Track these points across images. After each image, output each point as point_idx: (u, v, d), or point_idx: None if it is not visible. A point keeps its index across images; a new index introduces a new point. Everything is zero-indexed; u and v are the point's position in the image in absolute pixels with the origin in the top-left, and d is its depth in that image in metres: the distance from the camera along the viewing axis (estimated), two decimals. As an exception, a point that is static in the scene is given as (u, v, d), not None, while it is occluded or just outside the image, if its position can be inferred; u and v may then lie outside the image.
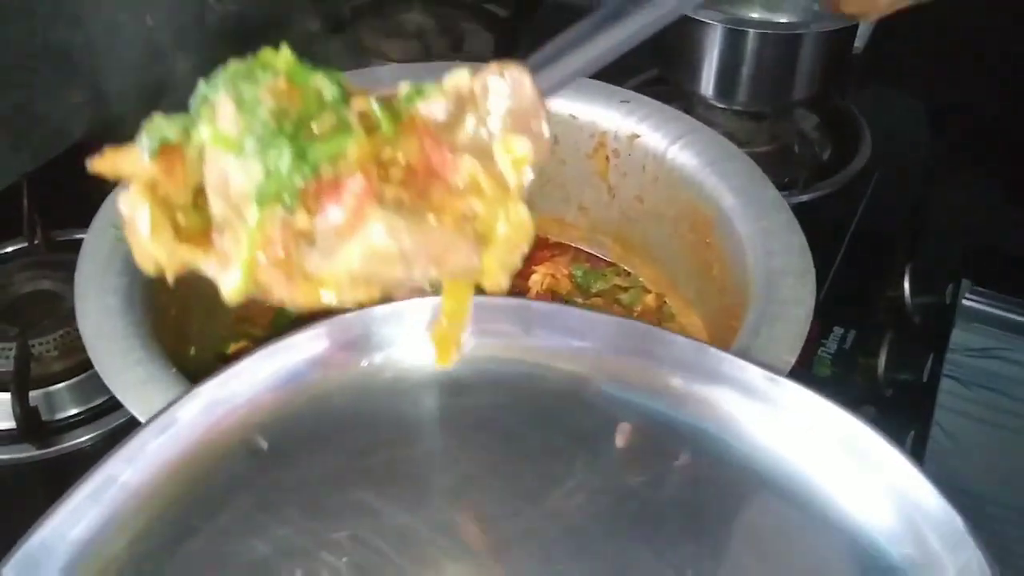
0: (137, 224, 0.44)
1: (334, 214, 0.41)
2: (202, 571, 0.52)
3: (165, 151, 0.43)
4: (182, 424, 0.56)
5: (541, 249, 0.97)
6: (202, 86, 0.44)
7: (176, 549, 0.52)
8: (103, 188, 0.75)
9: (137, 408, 0.62)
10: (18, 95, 1.11)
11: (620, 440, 0.60)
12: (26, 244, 1.02)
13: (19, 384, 0.83)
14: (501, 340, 0.63)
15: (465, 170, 0.44)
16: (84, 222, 0.75)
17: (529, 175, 0.45)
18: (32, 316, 0.91)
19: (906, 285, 1.04)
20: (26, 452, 0.83)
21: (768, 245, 0.74)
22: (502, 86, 0.45)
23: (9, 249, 1.02)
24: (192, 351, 0.81)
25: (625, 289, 0.95)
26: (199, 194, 0.44)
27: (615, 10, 0.48)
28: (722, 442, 0.59)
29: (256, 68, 0.43)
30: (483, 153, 0.45)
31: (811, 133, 1.28)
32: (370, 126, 0.43)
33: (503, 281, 0.46)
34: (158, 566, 0.51)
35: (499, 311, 0.63)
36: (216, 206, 0.43)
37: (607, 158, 0.91)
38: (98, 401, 0.87)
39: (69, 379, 0.88)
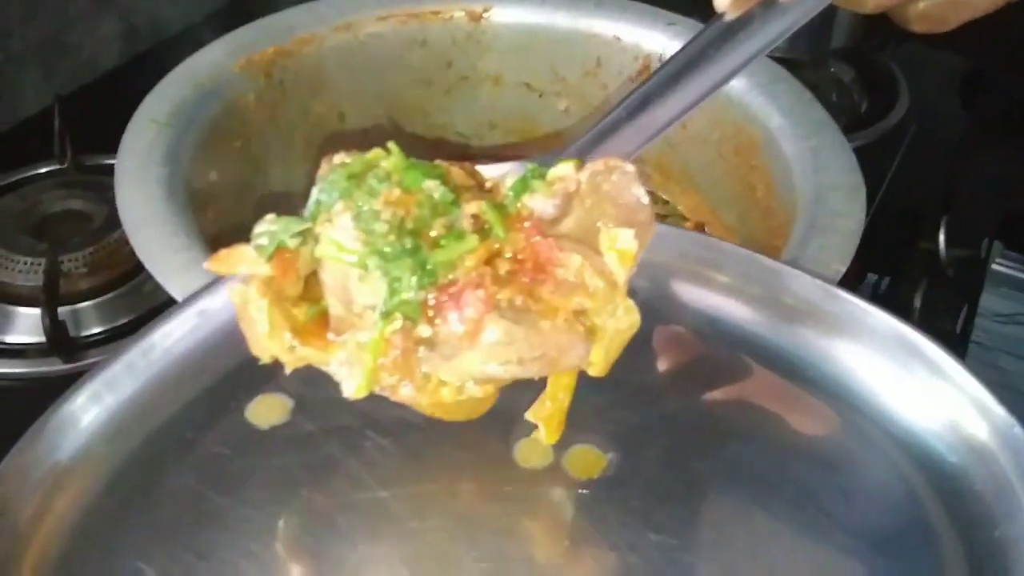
0: (253, 319, 0.45)
1: (454, 322, 0.43)
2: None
3: (280, 253, 0.44)
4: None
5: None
6: (316, 192, 0.45)
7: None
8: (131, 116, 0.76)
9: (180, 294, 0.61)
10: (52, 24, 1.11)
11: (672, 346, 0.59)
12: (57, 166, 1.01)
13: (48, 297, 0.83)
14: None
15: (573, 265, 0.44)
16: (113, 148, 0.75)
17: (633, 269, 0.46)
18: (62, 234, 0.91)
19: (941, 238, 1.02)
20: (54, 366, 0.83)
21: (817, 162, 0.72)
22: (607, 180, 0.46)
23: (41, 171, 1.02)
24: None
25: (664, 217, 0.93)
26: (308, 282, 0.46)
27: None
28: (777, 349, 0.58)
29: (370, 176, 0.44)
30: (589, 246, 0.45)
31: (849, 84, 1.26)
32: (481, 227, 0.44)
33: (606, 369, 0.46)
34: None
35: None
36: (335, 307, 0.44)
37: (650, 81, 0.89)
38: (123, 320, 0.87)
39: (96, 298, 0.88)
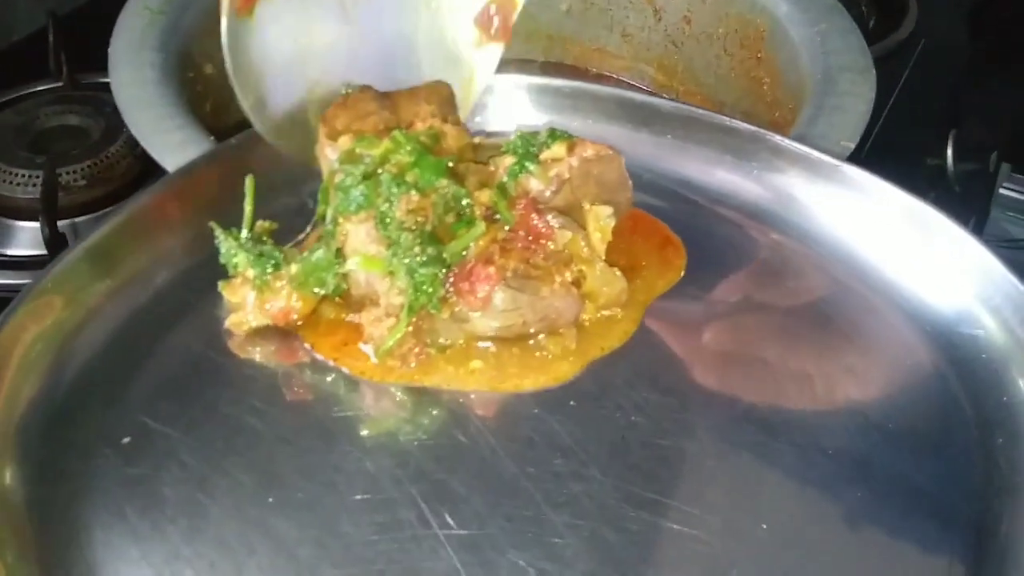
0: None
1: (467, 293, 0.48)
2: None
3: (285, 313, 0.50)
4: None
5: (582, 80, 0.93)
6: (334, 188, 0.48)
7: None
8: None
9: (176, 167, 0.59)
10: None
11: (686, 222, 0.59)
12: (53, 84, 1.00)
13: (47, 207, 0.82)
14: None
15: (562, 240, 0.50)
16: (105, 66, 0.75)
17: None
18: (59, 148, 0.90)
19: (949, 152, 1.01)
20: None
21: (827, 46, 0.71)
22: (597, 166, 0.53)
23: (37, 88, 1.01)
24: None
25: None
26: None
27: None
28: (785, 223, 0.58)
29: (384, 177, 0.48)
30: (575, 221, 0.51)
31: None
32: (490, 215, 0.49)
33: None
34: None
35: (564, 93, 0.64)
36: (356, 290, 0.50)
37: (654, -24, 0.88)
38: (121, 234, 0.86)
39: (95, 211, 0.87)
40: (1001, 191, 1.00)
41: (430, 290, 0.47)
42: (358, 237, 0.48)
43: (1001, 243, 0.96)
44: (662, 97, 0.63)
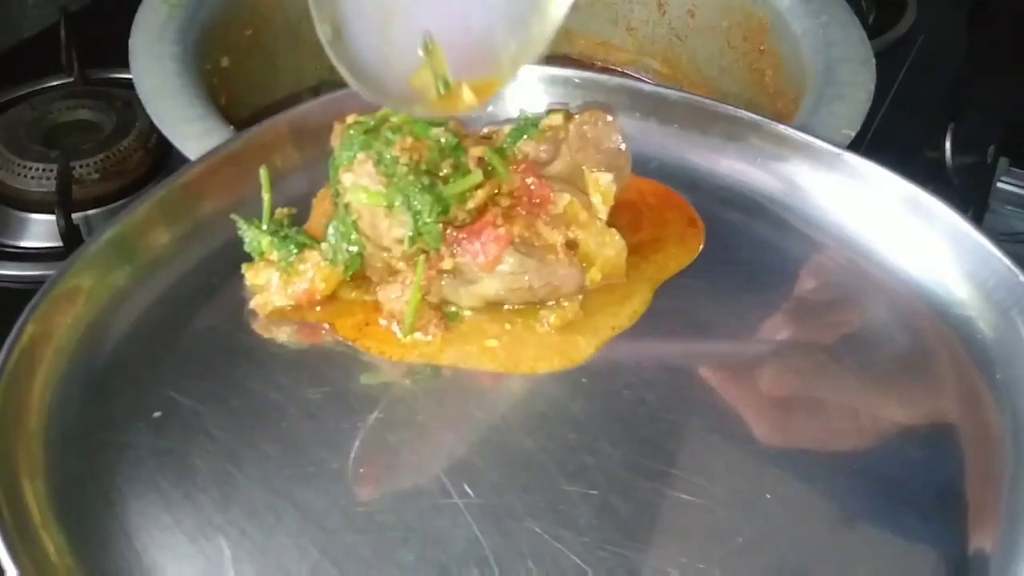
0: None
1: (476, 253, 0.50)
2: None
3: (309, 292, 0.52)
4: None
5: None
6: (338, 150, 0.51)
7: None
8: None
9: (197, 155, 0.61)
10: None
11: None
12: (65, 79, 1.02)
13: (62, 199, 0.83)
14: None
15: (562, 202, 0.52)
16: (119, 63, 0.76)
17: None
18: (72, 142, 0.91)
19: (947, 145, 1.02)
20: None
21: (828, 37, 0.73)
22: (592, 128, 0.54)
23: (50, 84, 1.02)
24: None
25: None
26: None
27: None
28: (788, 209, 0.60)
29: (384, 129, 0.50)
30: (574, 186, 0.53)
31: (858, -7, 1.26)
32: (485, 169, 0.51)
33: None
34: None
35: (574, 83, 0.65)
36: (371, 258, 0.51)
37: (659, -30, 0.90)
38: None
39: (107, 204, 0.88)
40: (999, 185, 1.02)
41: (429, 220, 0.49)
42: (359, 179, 0.50)
43: (1000, 236, 0.98)
44: (669, 88, 0.64)
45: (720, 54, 0.87)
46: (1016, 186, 1.02)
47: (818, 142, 0.60)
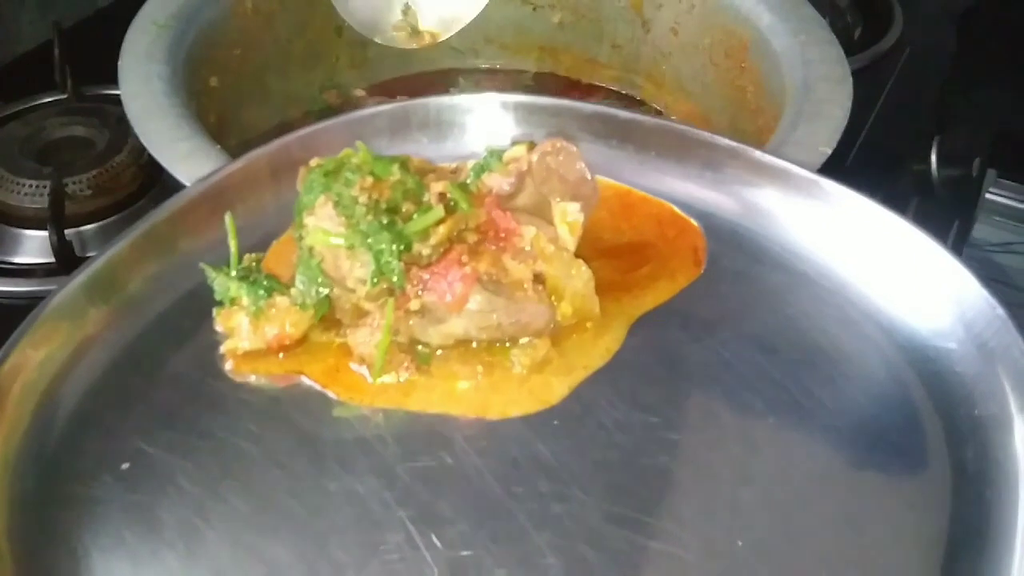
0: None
1: (443, 293, 0.50)
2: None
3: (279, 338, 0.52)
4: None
5: (572, 91, 0.96)
6: (301, 194, 0.51)
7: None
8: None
9: (186, 179, 0.62)
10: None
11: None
12: (58, 96, 1.02)
13: (55, 215, 0.83)
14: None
15: (528, 235, 0.52)
16: (112, 79, 0.77)
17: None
18: (65, 159, 0.92)
19: (933, 158, 1.02)
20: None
21: (806, 55, 0.73)
22: (555, 159, 0.54)
23: (43, 100, 1.03)
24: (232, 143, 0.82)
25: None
26: None
27: None
28: (763, 238, 0.59)
29: (344, 170, 0.50)
30: (541, 218, 0.53)
31: (844, 8, 1.25)
32: (447, 204, 0.51)
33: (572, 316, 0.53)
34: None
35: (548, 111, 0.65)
36: (337, 299, 0.52)
37: (642, -12, 0.89)
38: (125, 244, 0.88)
39: (100, 220, 0.88)
40: (987, 196, 1.01)
41: (391, 259, 0.49)
42: (320, 221, 0.50)
43: (990, 247, 0.97)
44: (646, 114, 0.64)
45: (703, 71, 0.87)
46: (1004, 197, 1.02)
47: (795, 168, 0.59)
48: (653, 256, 0.58)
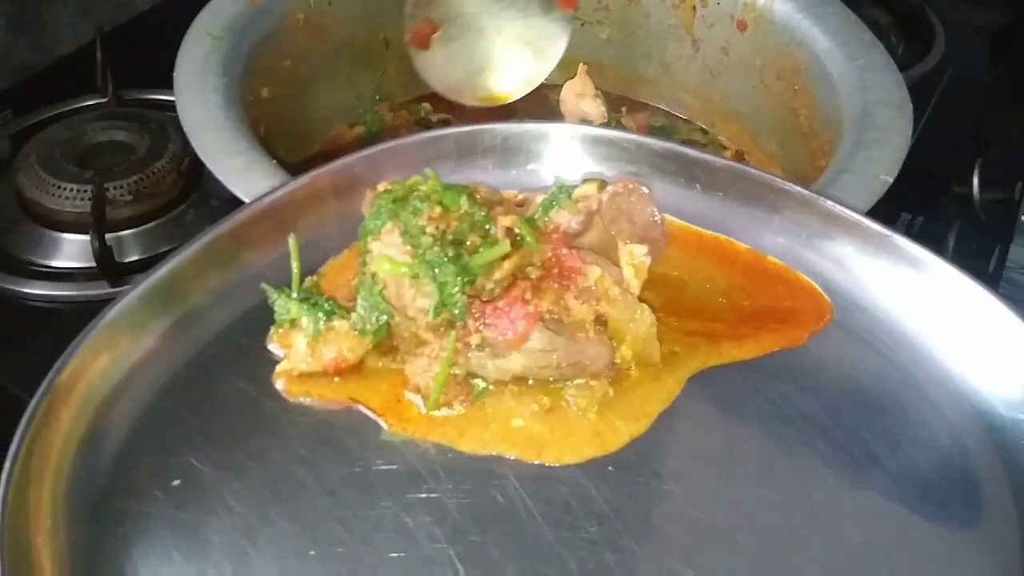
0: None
1: (505, 329, 0.49)
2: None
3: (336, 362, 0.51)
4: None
5: (619, 108, 0.95)
6: (367, 219, 0.51)
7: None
8: (168, 55, 0.76)
9: (242, 192, 0.63)
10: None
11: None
12: (99, 99, 1.02)
13: (97, 220, 0.83)
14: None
15: (593, 275, 0.51)
16: (152, 83, 0.77)
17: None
18: (106, 163, 0.91)
19: (975, 180, 1.00)
20: (101, 289, 0.84)
21: (864, 81, 0.72)
22: (626, 200, 0.54)
23: (84, 104, 1.03)
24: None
25: (703, 146, 0.92)
26: None
27: None
28: (836, 291, 0.57)
29: (412, 198, 0.50)
30: (607, 259, 0.53)
31: (886, 28, 1.24)
32: (514, 239, 0.50)
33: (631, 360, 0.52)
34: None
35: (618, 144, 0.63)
36: (396, 327, 0.51)
37: (694, 8, 0.89)
38: (165, 249, 0.86)
39: (139, 226, 0.88)
40: (1024, 219, 1.00)
41: (454, 291, 0.48)
42: (385, 248, 0.49)
43: (1021, 270, 0.96)
44: (715, 155, 0.61)
45: (754, 92, 0.86)
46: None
47: (867, 222, 0.57)
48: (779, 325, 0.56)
